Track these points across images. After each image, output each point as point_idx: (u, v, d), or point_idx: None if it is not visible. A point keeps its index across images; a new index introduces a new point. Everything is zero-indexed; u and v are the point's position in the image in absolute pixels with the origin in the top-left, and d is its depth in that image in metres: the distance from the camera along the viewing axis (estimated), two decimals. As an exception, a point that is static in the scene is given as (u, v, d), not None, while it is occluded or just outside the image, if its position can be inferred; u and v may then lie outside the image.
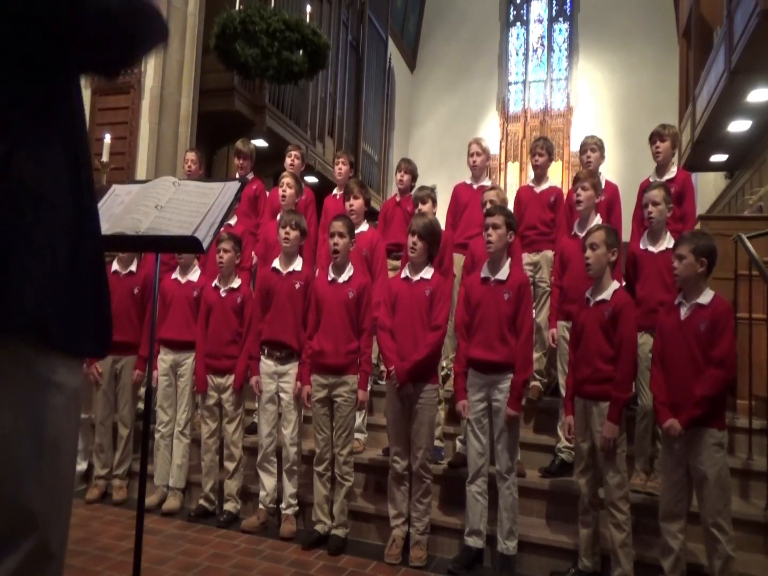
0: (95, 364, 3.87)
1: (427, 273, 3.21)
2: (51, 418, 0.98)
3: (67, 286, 1.00)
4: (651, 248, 3.33)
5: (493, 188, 3.98)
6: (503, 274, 3.08)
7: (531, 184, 4.34)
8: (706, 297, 2.65)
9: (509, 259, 3.17)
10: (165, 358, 3.87)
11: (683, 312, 2.68)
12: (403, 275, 3.28)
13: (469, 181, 4.45)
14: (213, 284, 3.78)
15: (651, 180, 3.91)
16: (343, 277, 3.35)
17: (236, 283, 3.76)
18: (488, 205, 3.65)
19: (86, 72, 1.14)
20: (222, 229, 2.75)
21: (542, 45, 14.74)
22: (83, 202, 1.07)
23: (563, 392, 3.32)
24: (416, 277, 3.20)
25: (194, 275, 3.98)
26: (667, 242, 3.23)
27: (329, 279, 3.38)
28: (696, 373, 2.58)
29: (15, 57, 0.96)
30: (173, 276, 3.97)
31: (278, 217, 4.06)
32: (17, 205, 0.94)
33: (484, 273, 3.15)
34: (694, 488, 2.62)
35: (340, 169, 4.75)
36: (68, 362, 1.02)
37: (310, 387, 3.35)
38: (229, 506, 3.63)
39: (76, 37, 0.99)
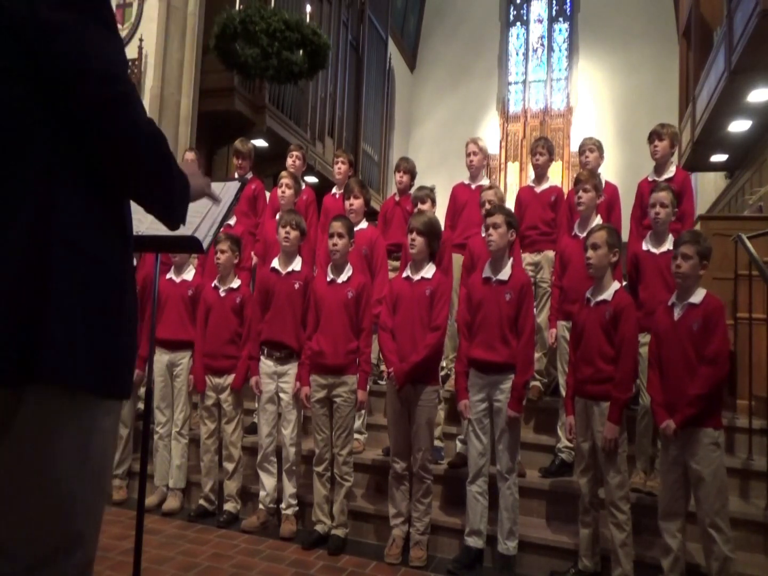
0: None
1: (428, 272, 3.20)
2: (100, 442, 1.06)
3: (113, 339, 1.05)
4: (653, 249, 3.33)
5: (491, 188, 3.97)
6: (505, 274, 3.08)
7: (531, 184, 4.34)
8: (698, 296, 2.66)
9: (511, 259, 3.16)
10: (160, 358, 3.86)
11: (676, 312, 2.69)
12: (404, 275, 3.28)
13: (467, 181, 4.44)
14: (212, 284, 3.77)
15: (650, 179, 3.92)
16: (342, 278, 3.35)
17: (235, 283, 3.76)
18: (487, 205, 3.65)
19: None
20: (222, 229, 2.75)
21: (542, 45, 14.75)
22: (128, 252, 1.11)
23: (563, 392, 3.31)
24: (417, 277, 3.19)
25: (188, 274, 3.97)
26: (669, 243, 3.22)
27: (328, 279, 3.37)
28: (691, 373, 2.58)
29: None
30: (167, 276, 3.96)
31: (278, 216, 4.06)
32: (69, 266, 0.98)
33: (486, 273, 3.14)
34: (691, 488, 2.62)
35: (339, 168, 4.74)
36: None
37: (308, 388, 3.34)
38: (229, 506, 3.62)
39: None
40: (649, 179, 3.92)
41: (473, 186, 4.36)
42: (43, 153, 0.97)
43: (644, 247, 3.38)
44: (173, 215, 1.19)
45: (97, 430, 1.04)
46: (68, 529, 1.00)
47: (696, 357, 2.58)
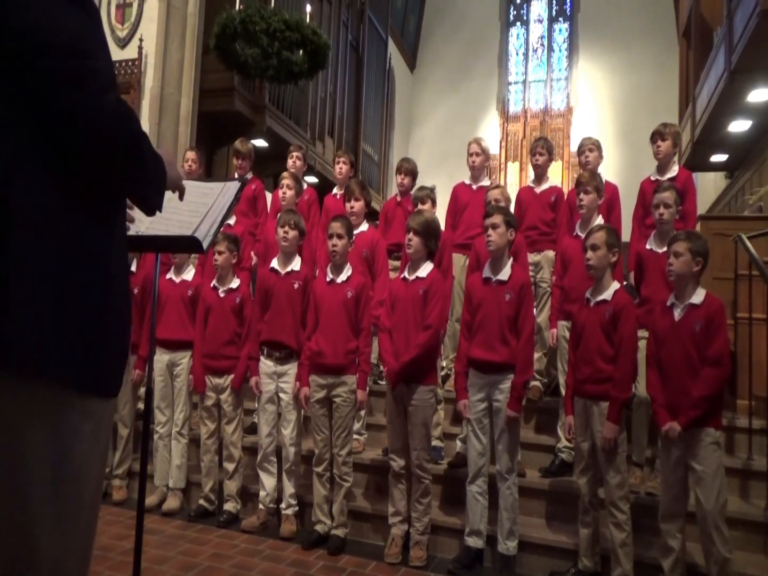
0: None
1: (423, 271, 3.18)
2: (77, 446, 0.96)
3: (96, 335, 0.99)
4: (656, 249, 3.33)
5: (497, 187, 3.98)
6: (504, 274, 3.08)
7: (531, 184, 4.34)
8: (698, 297, 2.64)
9: (511, 260, 3.16)
10: (161, 358, 3.85)
11: (677, 313, 2.68)
12: (402, 275, 3.28)
13: (468, 182, 4.44)
14: (211, 284, 3.77)
15: (652, 179, 3.91)
16: (342, 278, 3.35)
17: (235, 283, 3.75)
18: (493, 204, 3.65)
19: None
20: (221, 229, 2.75)
21: (542, 45, 14.75)
22: (114, 239, 1.05)
23: (563, 392, 3.31)
24: (412, 276, 3.19)
25: (188, 274, 3.97)
26: (672, 243, 3.23)
27: (327, 279, 3.37)
28: (693, 374, 2.57)
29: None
30: (167, 276, 3.96)
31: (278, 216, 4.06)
32: (36, 251, 0.92)
33: (486, 273, 3.14)
34: (691, 488, 2.62)
35: (341, 168, 4.74)
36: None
37: (308, 389, 3.34)
38: (229, 506, 3.63)
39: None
40: (652, 179, 3.91)
41: (475, 186, 4.36)
42: (8, 136, 0.93)
43: (647, 246, 3.38)
44: (147, 200, 1.12)
45: (75, 434, 0.95)
46: (27, 544, 0.91)
47: (698, 358, 2.57)
